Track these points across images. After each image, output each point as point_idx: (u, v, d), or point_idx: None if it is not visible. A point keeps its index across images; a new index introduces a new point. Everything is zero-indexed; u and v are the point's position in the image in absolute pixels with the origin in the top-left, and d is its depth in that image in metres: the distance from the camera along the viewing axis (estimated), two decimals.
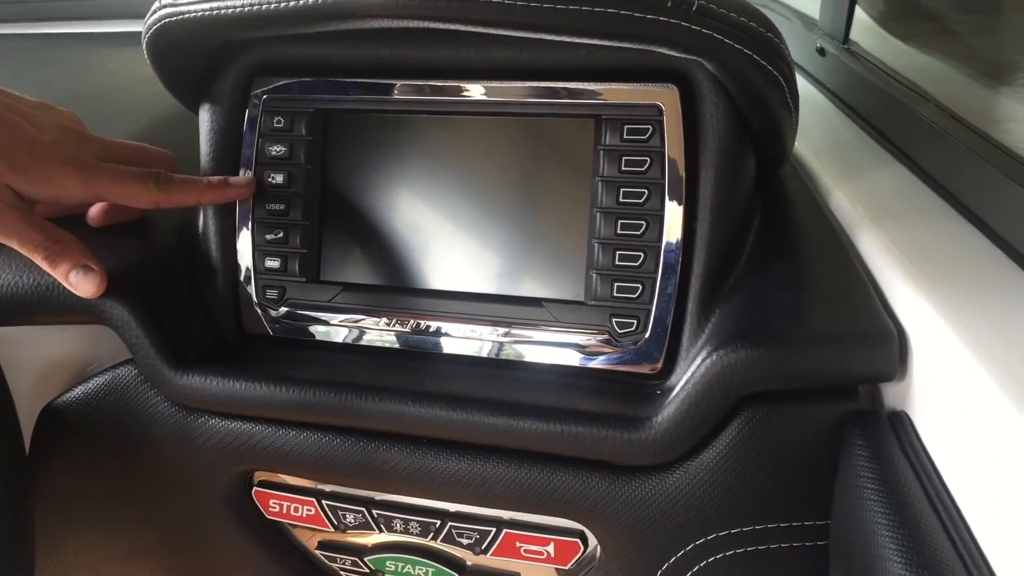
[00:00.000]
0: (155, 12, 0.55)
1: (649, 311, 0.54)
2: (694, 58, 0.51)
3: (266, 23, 0.52)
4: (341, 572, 0.67)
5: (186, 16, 0.53)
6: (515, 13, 0.47)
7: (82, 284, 0.56)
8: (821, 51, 0.85)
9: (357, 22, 0.51)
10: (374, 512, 0.61)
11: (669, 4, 0.46)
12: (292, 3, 0.50)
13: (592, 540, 0.56)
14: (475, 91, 0.57)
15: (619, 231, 0.54)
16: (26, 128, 0.55)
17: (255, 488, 0.63)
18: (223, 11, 0.52)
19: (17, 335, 0.61)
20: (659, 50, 0.50)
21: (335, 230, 0.61)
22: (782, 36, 0.50)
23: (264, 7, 0.51)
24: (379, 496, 0.61)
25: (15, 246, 0.54)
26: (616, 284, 0.55)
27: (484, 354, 0.58)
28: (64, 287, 0.56)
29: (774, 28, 0.50)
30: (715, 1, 0.47)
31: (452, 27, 0.50)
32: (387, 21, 0.50)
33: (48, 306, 0.58)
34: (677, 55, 0.50)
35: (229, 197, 0.61)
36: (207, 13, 0.53)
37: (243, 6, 0.51)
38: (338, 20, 0.51)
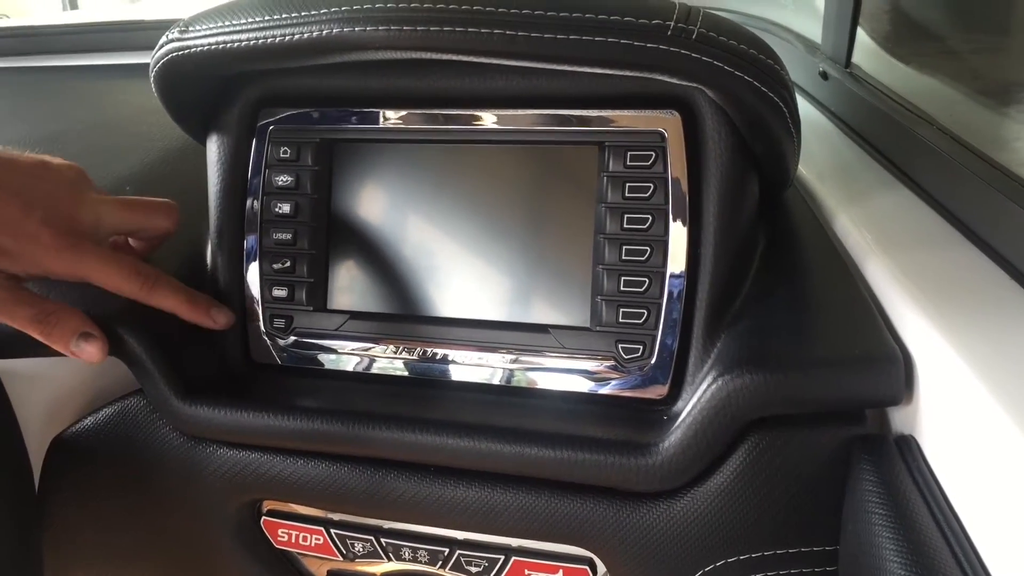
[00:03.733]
0: (163, 46, 0.56)
1: (655, 337, 0.54)
2: (695, 85, 0.51)
3: (272, 56, 0.53)
4: None
5: (193, 50, 0.54)
6: (517, 44, 0.48)
7: (84, 352, 0.55)
8: (824, 75, 0.85)
9: (361, 54, 0.51)
10: (383, 541, 0.61)
11: (669, 33, 0.47)
12: (298, 36, 0.51)
13: (601, 567, 0.56)
14: (487, 119, 0.58)
15: (623, 257, 0.55)
16: (12, 210, 0.52)
17: (264, 517, 0.63)
18: (230, 45, 0.53)
19: (27, 367, 0.62)
20: (660, 78, 0.50)
21: (341, 259, 0.61)
22: (782, 62, 0.51)
23: (270, 40, 0.51)
24: (388, 524, 0.61)
25: (9, 323, 0.54)
26: (621, 310, 0.55)
27: (491, 381, 0.58)
28: None
29: (774, 54, 0.50)
30: (715, 29, 0.48)
31: (455, 58, 0.50)
32: (391, 53, 0.51)
33: None
34: (678, 82, 0.51)
35: (205, 324, 0.60)
36: (214, 47, 0.53)
37: (250, 40, 0.52)
38: (343, 52, 0.52)
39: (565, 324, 0.57)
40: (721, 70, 0.48)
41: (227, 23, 0.53)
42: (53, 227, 0.53)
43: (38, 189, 0.54)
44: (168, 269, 0.63)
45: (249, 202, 0.62)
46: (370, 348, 0.60)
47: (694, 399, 0.50)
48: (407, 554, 0.60)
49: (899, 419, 0.49)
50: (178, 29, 0.55)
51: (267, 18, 0.52)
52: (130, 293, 0.56)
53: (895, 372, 0.46)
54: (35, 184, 0.54)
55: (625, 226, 0.55)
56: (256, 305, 0.62)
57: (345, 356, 0.61)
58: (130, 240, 0.62)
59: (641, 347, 0.55)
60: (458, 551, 0.59)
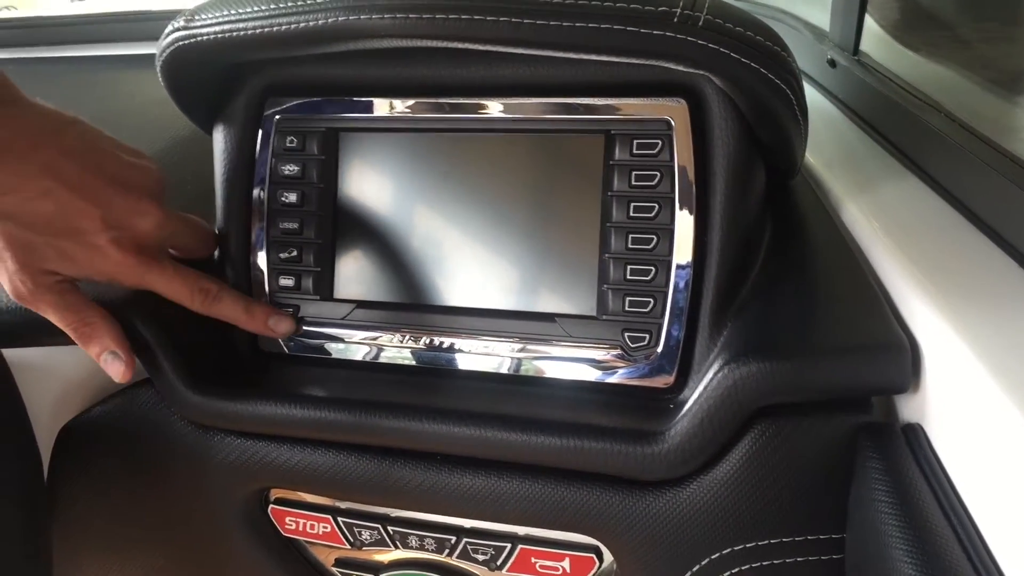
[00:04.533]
0: (169, 35, 0.56)
1: (661, 325, 0.54)
2: (702, 72, 0.51)
3: (278, 45, 0.53)
4: None
5: (200, 39, 0.54)
6: (522, 31, 0.47)
7: (110, 368, 0.56)
8: (832, 62, 0.85)
9: (367, 42, 0.51)
10: (390, 529, 0.61)
11: (676, 20, 0.47)
12: (304, 24, 0.51)
13: (607, 555, 0.56)
14: (493, 108, 0.58)
15: (630, 246, 0.55)
16: (89, 222, 0.52)
17: (271, 505, 0.63)
18: (235, 33, 0.53)
19: (36, 356, 0.62)
20: (666, 65, 0.50)
21: (348, 248, 0.62)
22: (789, 49, 0.50)
23: (276, 29, 0.51)
24: (395, 513, 0.61)
25: (54, 321, 0.55)
26: (628, 299, 0.55)
27: (498, 370, 0.58)
28: None
29: (781, 41, 0.50)
30: (721, 16, 0.48)
31: (461, 46, 0.50)
32: (397, 41, 0.51)
33: None
34: (685, 70, 0.51)
35: (266, 333, 0.62)
36: (220, 35, 0.53)
37: (256, 28, 0.52)
38: (348, 41, 0.52)
39: (572, 313, 0.57)
40: (727, 57, 0.48)
41: (233, 12, 0.53)
42: (124, 247, 0.54)
43: (118, 206, 0.53)
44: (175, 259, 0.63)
45: (256, 191, 0.62)
46: (377, 337, 0.60)
47: (700, 387, 0.50)
48: (414, 542, 0.61)
49: (906, 407, 0.49)
50: (184, 18, 0.55)
51: (273, 6, 0.52)
52: (192, 306, 0.58)
53: (902, 360, 0.46)
54: (117, 199, 0.53)
55: (631, 214, 0.55)
56: (263, 294, 0.62)
57: (352, 345, 0.61)
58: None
59: (648, 336, 0.55)
60: (465, 539, 0.59)
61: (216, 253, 0.63)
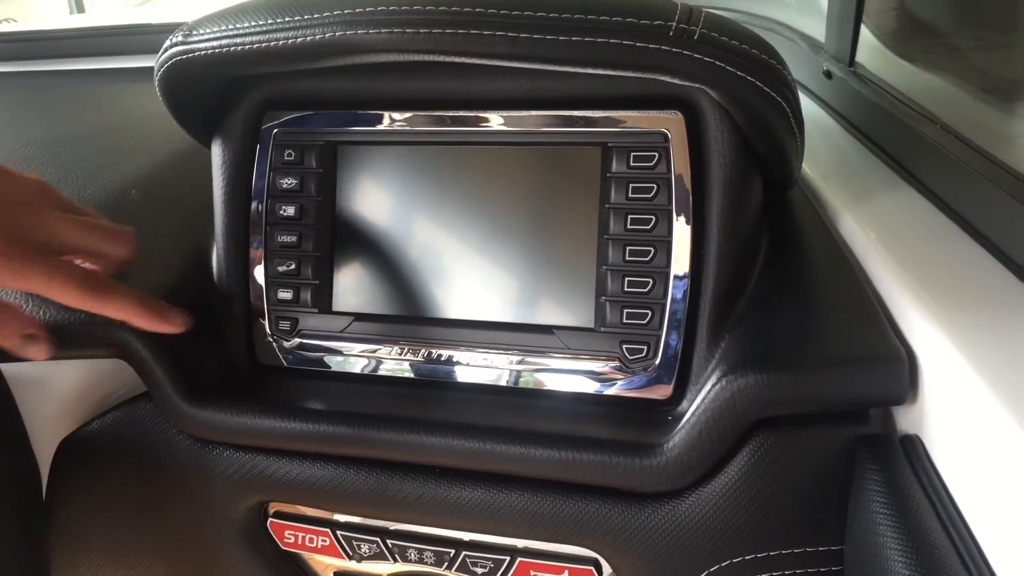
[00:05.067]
0: (167, 50, 0.56)
1: (659, 337, 0.54)
2: (698, 85, 0.51)
3: (276, 59, 0.53)
4: None
5: (197, 53, 0.54)
6: (520, 45, 0.48)
7: (30, 352, 0.54)
8: (828, 74, 0.85)
9: (365, 57, 0.52)
10: (389, 542, 0.61)
11: (671, 33, 0.47)
12: (301, 40, 0.51)
13: (606, 568, 0.56)
14: (491, 121, 0.58)
15: (628, 258, 0.55)
16: None
17: (270, 519, 0.63)
18: (233, 48, 0.53)
19: (35, 370, 0.62)
20: (663, 78, 0.50)
21: (346, 261, 0.62)
22: (784, 62, 0.51)
23: (274, 44, 0.52)
24: (394, 526, 0.61)
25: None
26: (626, 311, 0.55)
27: (496, 382, 0.58)
28: (82, 322, 0.57)
29: (776, 54, 0.50)
30: (716, 29, 0.48)
31: (458, 60, 0.51)
32: (394, 55, 0.51)
33: (65, 342, 0.58)
34: (681, 83, 0.51)
35: (161, 329, 0.58)
36: (218, 50, 0.54)
37: (253, 43, 0.52)
38: (347, 55, 0.52)
39: (570, 325, 0.57)
40: (723, 70, 0.48)
41: (231, 27, 0.53)
42: (2, 237, 0.51)
43: None
44: (173, 272, 0.63)
45: (254, 205, 0.62)
46: (375, 350, 0.61)
47: (699, 399, 0.50)
48: (413, 555, 0.61)
49: (904, 419, 0.49)
50: (182, 33, 0.55)
51: (271, 22, 0.52)
52: (77, 302, 0.54)
53: (900, 372, 0.46)
54: None
55: (629, 227, 0.55)
56: (262, 307, 0.63)
57: (350, 358, 0.61)
58: (86, 263, 0.59)
59: (645, 348, 0.55)
60: (464, 552, 0.59)
61: (215, 267, 0.64)
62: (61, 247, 0.55)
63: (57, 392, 0.64)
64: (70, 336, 0.58)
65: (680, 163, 0.54)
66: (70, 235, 0.55)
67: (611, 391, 0.56)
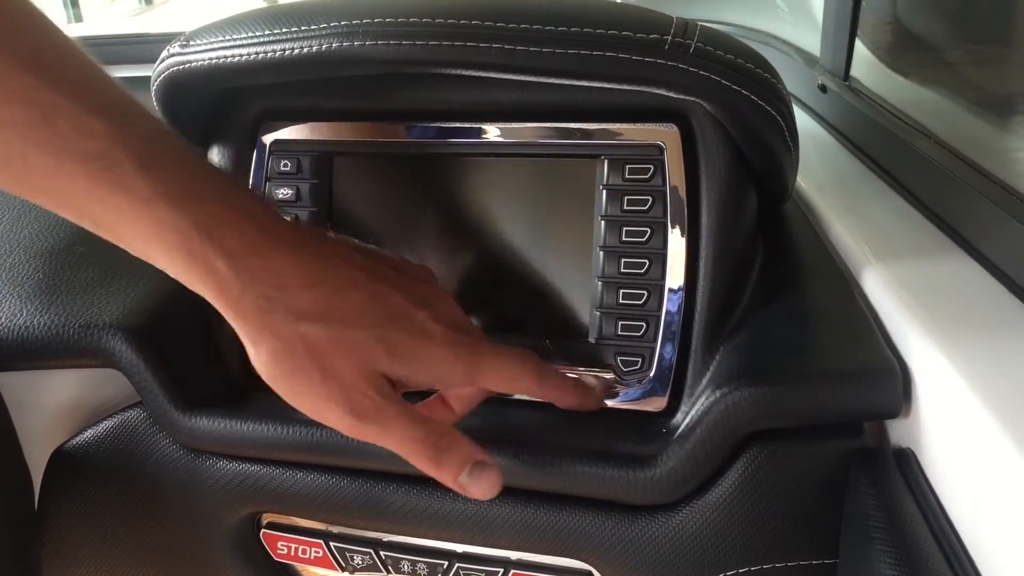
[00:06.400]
0: (164, 60, 0.56)
1: (654, 349, 0.54)
2: (693, 99, 0.51)
3: (272, 71, 0.53)
4: None
5: (194, 64, 0.54)
6: (515, 57, 0.48)
7: (474, 487, 0.47)
8: (822, 88, 0.86)
9: (361, 68, 0.52)
10: (382, 553, 0.61)
11: (667, 47, 0.47)
12: (298, 51, 0.51)
13: None
14: (486, 132, 0.58)
15: (622, 270, 0.55)
16: (400, 301, 0.45)
17: (263, 530, 0.63)
18: (230, 59, 0.53)
19: (27, 379, 0.62)
20: (658, 91, 0.50)
21: None
22: (779, 75, 0.51)
23: (270, 55, 0.52)
24: (387, 537, 0.61)
25: (391, 446, 0.45)
26: (620, 322, 0.55)
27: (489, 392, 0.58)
28: (75, 331, 0.57)
29: (771, 68, 0.50)
30: (712, 43, 0.48)
31: (455, 72, 0.51)
32: (390, 67, 0.51)
33: (58, 351, 0.58)
34: (676, 96, 0.51)
35: (590, 406, 0.54)
36: (214, 61, 0.54)
37: (249, 54, 0.52)
38: (343, 67, 0.52)
39: (565, 336, 0.57)
40: (718, 84, 0.48)
41: (228, 38, 0.53)
42: (444, 323, 0.46)
43: (418, 287, 0.47)
44: (169, 281, 0.62)
45: None
46: None
47: (693, 412, 0.50)
48: (406, 567, 0.60)
49: (897, 432, 0.49)
50: (180, 43, 0.55)
51: (267, 32, 0.52)
52: (528, 390, 0.51)
53: (893, 385, 0.46)
54: (413, 282, 0.48)
55: (624, 239, 0.55)
56: None
57: None
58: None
59: (640, 359, 0.55)
60: (457, 564, 0.59)
61: None
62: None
63: (50, 401, 0.64)
64: (63, 345, 0.58)
65: (675, 175, 0.54)
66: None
67: (605, 403, 0.56)
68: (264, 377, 0.45)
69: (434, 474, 0.46)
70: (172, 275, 0.43)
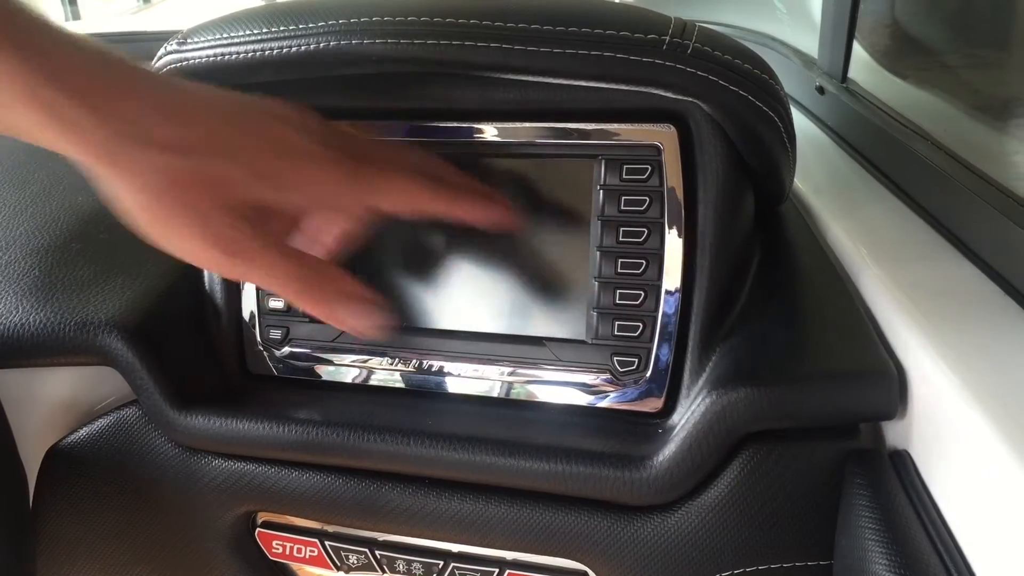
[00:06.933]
0: (161, 57, 0.56)
1: (650, 350, 0.54)
2: (691, 99, 0.51)
3: (270, 69, 0.53)
4: None
5: (191, 62, 0.54)
6: (513, 57, 0.48)
7: (353, 320, 0.46)
8: (820, 89, 0.86)
9: (359, 67, 0.52)
10: (377, 553, 0.61)
11: (665, 47, 0.47)
12: (295, 49, 0.51)
13: None
14: (485, 132, 0.58)
15: (619, 270, 0.55)
16: (275, 128, 0.44)
17: (258, 529, 0.63)
18: (228, 57, 0.53)
19: (22, 377, 0.62)
20: (656, 92, 0.50)
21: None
22: (776, 76, 0.51)
23: (267, 53, 0.52)
24: (382, 537, 0.61)
25: (263, 283, 0.45)
26: (617, 323, 0.55)
27: (487, 393, 0.58)
28: (70, 328, 0.57)
29: (768, 69, 0.50)
30: (710, 43, 0.48)
31: (452, 72, 0.51)
32: (388, 66, 0.51)
33: (54, 348, 0.58)
34: (674, 96, 0.51)
35: (491, 220, 0.52)
36: (212, 59, 0.54)
37: (247, 52, 0.52)
38: (340, 66, 0.52)
39: (561, 337, 0.57)
40: (716, 84, 0.48)
41: (225, 35, 0.53)
42: (325, 144, 0.44)
43: (293, 117, 0.45)
44: (165, 279, 0.63)
45: None
46: (366, 360, 0.60)
47: (689, 412, 0.50)
48: (401, 566, 0.60)
49: (893, 434, 0.49)
50: (177, 41, 0.55)
51: (265, 31, 0.52)
52: (424, 205, 0.48)
53: (889, 387, 0.46)
54: (293, 115, 0.45)
55: (621, 239, 0.55)
56: (253, 316, 0.62)
57: (341, 367, 0.61)
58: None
59: (636, 360, 0.55)
60: (452, 564, 0.59)
61: (206, 274, 0.63)
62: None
63: (45, 399, 0.63)
64: (58, 343, 0.58)
65: (673, 176, 0.54)
66: (379, 148, 0.47)
67: (602, 403, 0.56)
68: (130, 221, 0.42)
69: (310, 310, 0.45)
70: (29, 137, 0.40)
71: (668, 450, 0.50)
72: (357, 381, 0.61)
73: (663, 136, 0.54)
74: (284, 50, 0.51)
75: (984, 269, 0.51)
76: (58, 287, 0.61)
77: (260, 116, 0.44)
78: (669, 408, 0.54)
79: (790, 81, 0.91)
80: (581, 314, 0.56)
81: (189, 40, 0.55)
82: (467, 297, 0.59)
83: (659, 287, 0.54)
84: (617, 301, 0.55)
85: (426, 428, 0.55)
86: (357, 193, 0.45)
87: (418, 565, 0.60)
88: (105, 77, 0.40)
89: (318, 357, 0.61)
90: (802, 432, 0.49)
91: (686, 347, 0.54)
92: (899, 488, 0.44)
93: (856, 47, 0.82)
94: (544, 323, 0.57)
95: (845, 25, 0.80)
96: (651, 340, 0.54)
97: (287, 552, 0.63)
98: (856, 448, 0.48)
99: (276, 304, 0.62)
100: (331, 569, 0.62)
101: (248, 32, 0.52)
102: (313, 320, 0.61)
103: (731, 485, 0.49)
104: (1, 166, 0.76)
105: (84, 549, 0.66)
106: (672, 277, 0.54)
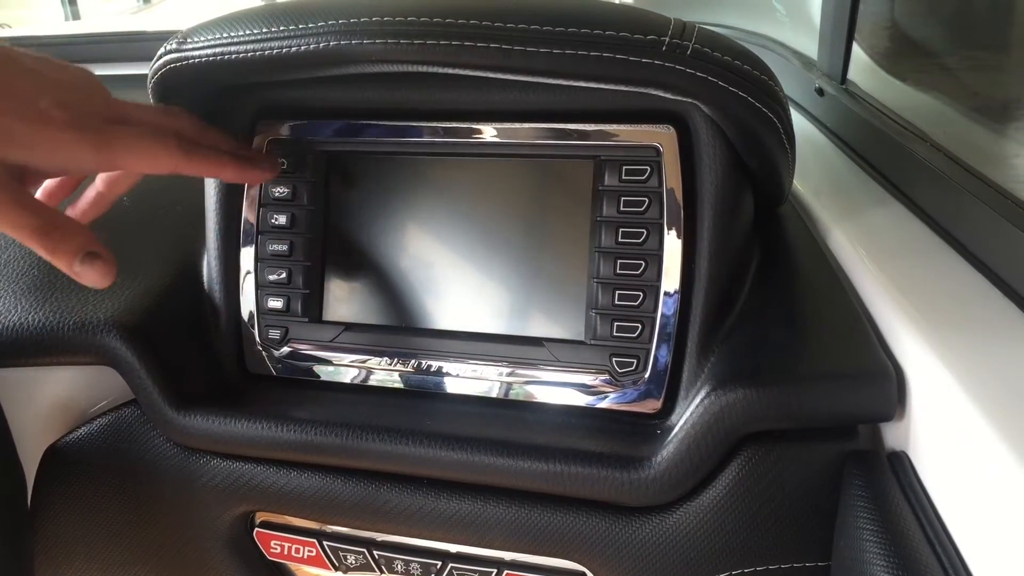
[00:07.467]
0: (161, 56, 0.56)
1: (649, 351, 0.54)
2: (690, 100, 0.51)
3: (269, 68, 0.53)
4: None
5: (191, 61, 0.54)
6: (513, 58, 0.48)
7: (88, 274, 0.47)
8: (820, 91, 0.86)
9: (359, 67, 0.52)
10: (375, 553, 0.61)
11: (664, 48, 0.47)
12: (295, 48, 0.51)
13: None
14: (484, 132, 0.58)
15: (618, 271, 0.55)
16: (22, 87, 0.45)
17: (257, 529, 0.63)
18: (227, 56, 0.53)
19: (22, 376, 0.62)
20: (655, 93, 0.50)
21: (337, 270, 0.62)
22: (776, 78, 0.51)
23: (267, 53, 0.52)
24: (381, 537, 0.61)
25: (8, 231, 0.46)
26: (616, 324, 0.55)
27: (486, 394, 0.58)
28: (69, 328, 0.57)
29: (768, 70, 0.50)
30: (709, 44, 0.48)
31: (452, 71, 0.51)
32: (388, 66, 0.51)
33: (53, 348, 0.58)
34: (673, 97, 0.51)
35: (251, 179, 0.59)
36: (211, 58, 0.53)
37: (247, 51, 0.52)
38: (340, 65, 0.52)
39: (560, 337, 0.57)
40: (715, 85, 0.48)
41: (225, 35, 0.53)
42: (68, 108, 0.45)
43: (47, 77, 0.47)
44: (164, 279, 0.63)
45: (246, 213, 0.62)
46: (365, 360, 0.60)
47: (687, 413, 0.50)
48: (400, 567, 0.60)
49: (892, 435, 0.49)
50: (176, 40, 0.55)
51: (265, 30, 0.52)
52: (168, 165, 0.51)
53: (888, 388, 0.46)
54: (44, 71, 0.47)
55: (620, 240, 0.55)
56: (252, 316, 0.62)
57: (340, 368, 0.61)
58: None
59: (635, 361, 0.55)
60: (451, 564, 0.59)
61: (205, 274, 0.63)
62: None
63: (44, 398, 0.63)
64: (57, 342, 0.58)
65: (672, 177, 0.54)
66: (131, 109, 0.51)
67: (600, 404, 0.56)
68: None
69: (52, 260, 0.47)
70: None
71: (667, 451, 0.50)
72: (356, 381, 0.61)
73: (662, 137, 0.54)
74: (284, 50, 0.51)
75: (982, 271, 0.51)
76: (58, 287, 0.61)
77: (13, 76, 0.45)
78: (668, 409, 0.54)
79: (789, 83, 0.91)
80: (580, 315, 0.56)
81: (189, 40, 0.55)
82: (466, 298, 0.59)
83: (658, 288, 0.54)
84: (616, 302, 0.55)
85: (425, 428, 0.55)
86: (100, 158, 0.47)
87: (416, 565, 0.60)
88: None
89: (316, 357, 0.61)
90: (801, 433, 0.49)
91: (685, 348, 0.54)
92: (897, 489, 0.44)
93: (856, 49, 0.82)
94: (543, 324, 0.57)
95: (845, 27, 0.80)
96: (650, 341, 0.54)
97: (285, 552, 0.63)
98: (854, 449, 0.48)
99: (275, 304, 0.62)
100: (329, 569, 0.62)
101: (248, 32, 0.52)
102: (312, 320, 0.61)
103: (730, 486, 0.49)
104: None
105: (82, 548, 0.66)
106: (671, 278, 0.54)
